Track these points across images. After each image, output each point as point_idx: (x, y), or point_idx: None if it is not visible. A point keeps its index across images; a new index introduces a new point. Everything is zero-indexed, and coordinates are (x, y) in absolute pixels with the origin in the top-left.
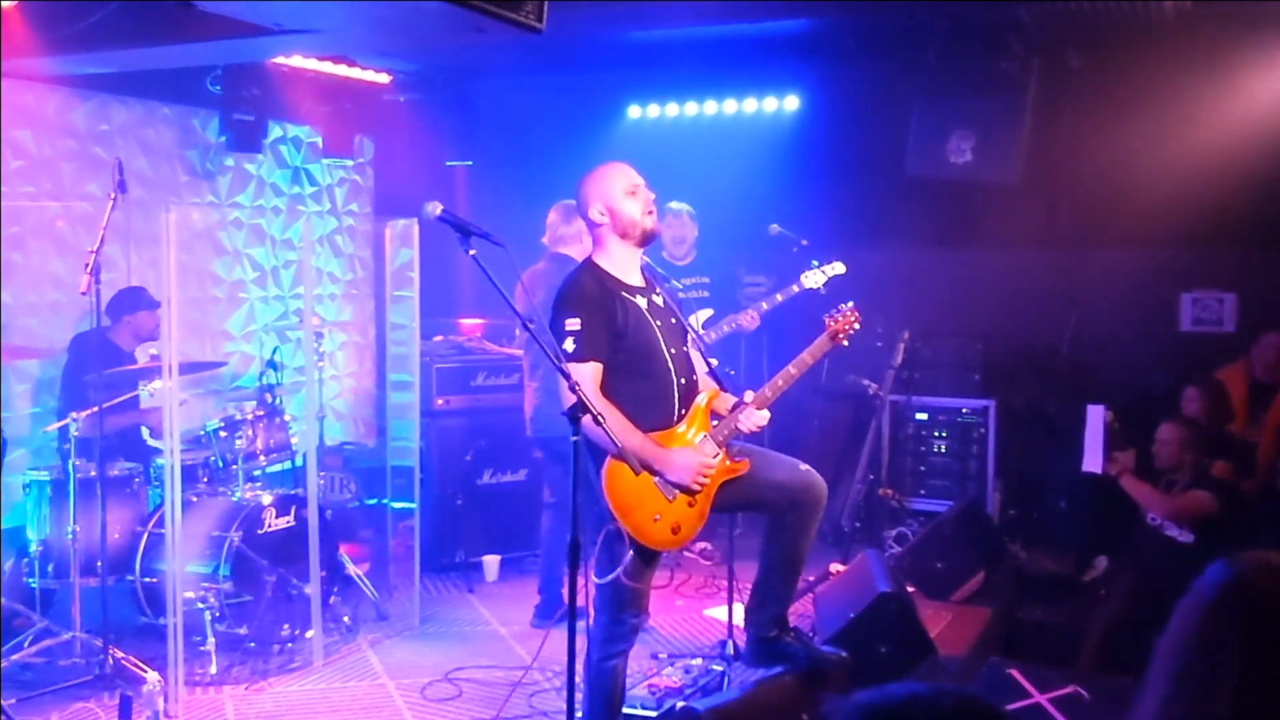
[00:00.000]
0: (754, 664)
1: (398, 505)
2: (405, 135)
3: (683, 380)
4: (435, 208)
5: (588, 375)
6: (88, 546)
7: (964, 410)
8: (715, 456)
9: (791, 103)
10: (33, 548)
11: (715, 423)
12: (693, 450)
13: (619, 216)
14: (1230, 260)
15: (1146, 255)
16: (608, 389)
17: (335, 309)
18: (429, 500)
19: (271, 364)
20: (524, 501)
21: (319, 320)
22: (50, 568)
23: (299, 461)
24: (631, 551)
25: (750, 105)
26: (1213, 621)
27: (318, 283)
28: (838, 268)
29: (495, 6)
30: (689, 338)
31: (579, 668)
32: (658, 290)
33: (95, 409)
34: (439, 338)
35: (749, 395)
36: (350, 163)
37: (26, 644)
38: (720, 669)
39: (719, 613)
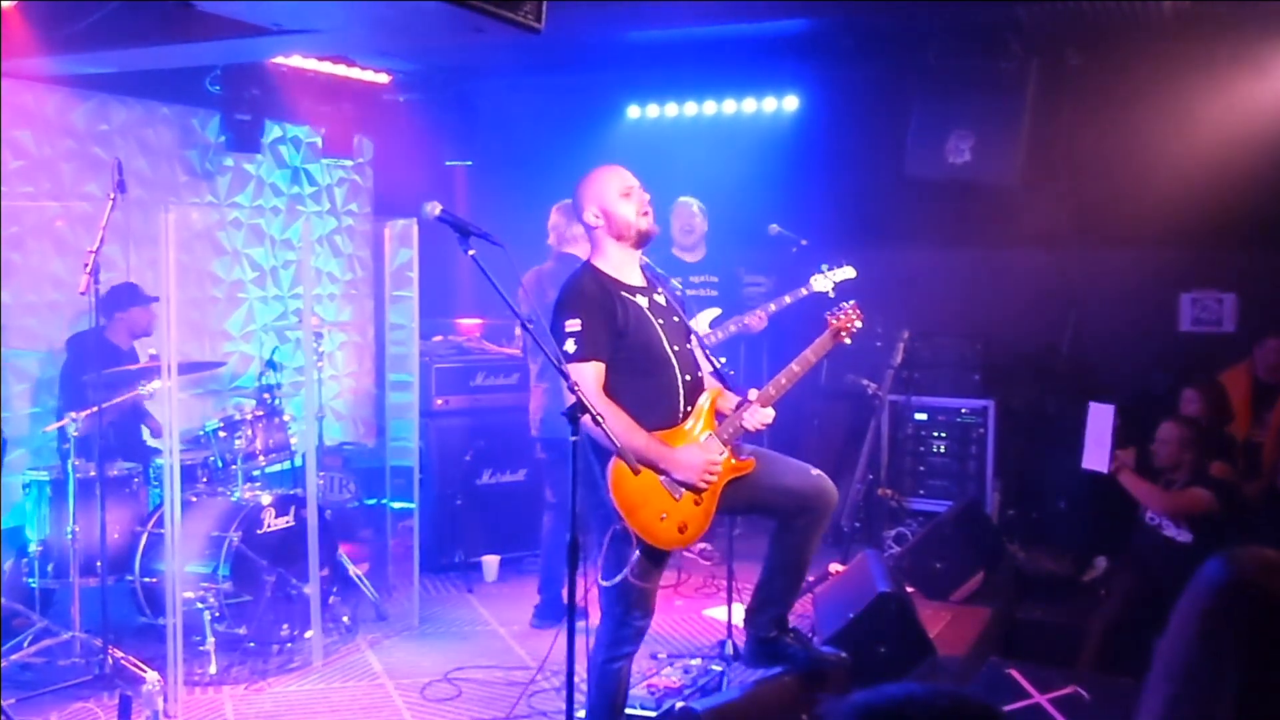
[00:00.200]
0: (753, 664)
1: (397, 505)
2: (405, 135)
3: (687, 377)
4: (434, 208)
5: (590, 375)
6: (87, 546)
7: (963, 410)
8: (721, 455)
9: (791, 103)
10: (32, 548)
11: (720, 421)
12: (698, 448)
13: (614, 219)
14: (1230, 260)
15: (1146, 255)
16: (611, 389)
17: (334, 309)
18: (428, 500)
19: (271, 364)
20: (523, 501)
21: (318, 320)
22: (50, 568)
23: (298, 461)
24: (638, 552)
25: (750, 105)
26: (1213, 621)
27: (317, 283)
28: (847, 272)
29: (494, 6)
30: (693, 336)
31: (579, 668)
32: (659, 290)
33: (94, 409)
34: (438, 338)
35: (753, 393)
36: (349, 163)
37: (26, 644)
38: (719, 669)
39: (718, 613)
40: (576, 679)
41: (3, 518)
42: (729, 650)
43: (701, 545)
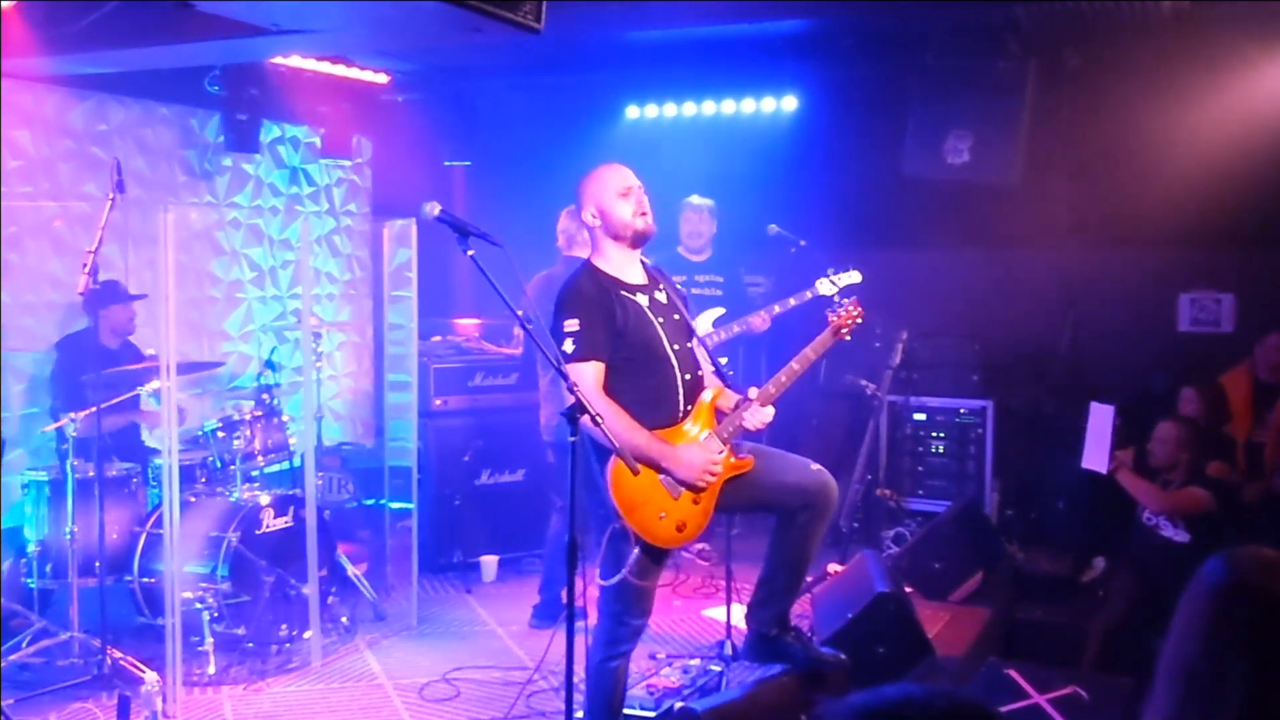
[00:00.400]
0: (752, 659)
1: (395, 505)
2: (403, 135)
3: (687, 376)
4: (434, 208)
5: (589, 375)
6: (86, 547)
7: (962, 410)
8: (720, 453)
9: (790, 103)
10: (31, 548)
11: (719, 420)
12: (698, 447)
13: (610, 218)
14: (1228, 261)
15: (1144, 255)
16: (611, 388)
17: (333, 309)
18: (427, 500)
19: (269, 364)
20: (522, 502)
21: (317, 320)
22: (48, 568)
23: (297, 462)
24: (638, 550)
25: (748, 105)
26: (1215, 623)
27: (316, 283)
28: (853, 276)
29: (493, 6)
30: (694, 334)
31: (578, 669)
32: (660, 287)
33: (93, 409)
34: (437, 338)
35: (753, 391)
36: (348, 163)
37: (25, 644)
38: (718, 669)
39: (717, 613)
40: (575, 679)
41: (1, 518)
42: (728, 650)
43: (700, 545)
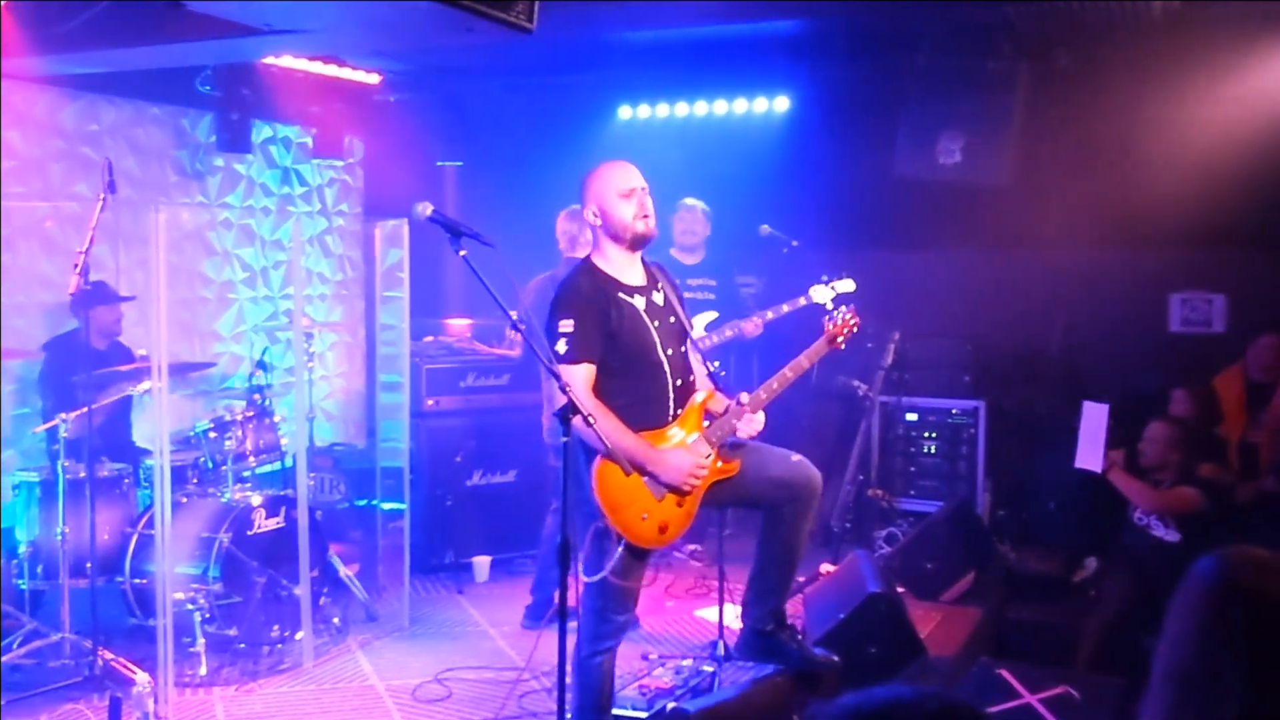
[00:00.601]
0: (746, 656)
1: (387, 506)
2: (395, 135)
3: (679, 381)
4: (426, 208)
5: (580, 377)
6: (77, 548)
7: (954, 411)
8: (708, 457)
9: (782, 103)
10: (22, 549)
11: (709, 423)
12: (685, 451)
13: (610, 219)
14: (1219, 261)
15: (1135, 256)
16: (602, 389)
17: (325, 309)
18: (419, 501)
19: (261, 365)
20: (514, 502)
21: (309, 321)
22: (39, 569)
23: (289, 462)
24: (621, 549)
25: (741, 106)
26: (1210, 625)
27: (307, 283)
28: (847, 284)
29: (485, 6)
30: (688, 338)
31: (570, 668)
32: (659, 287)
33: (84, 409)
34: (429, 338)
35: (744, 397)
36: (340, 163)
37: (16, 645)
38: (711, 670)
39: (710, 613)
40: (567, 679)
41: None
42: (720, 651)
43: (692, 546)
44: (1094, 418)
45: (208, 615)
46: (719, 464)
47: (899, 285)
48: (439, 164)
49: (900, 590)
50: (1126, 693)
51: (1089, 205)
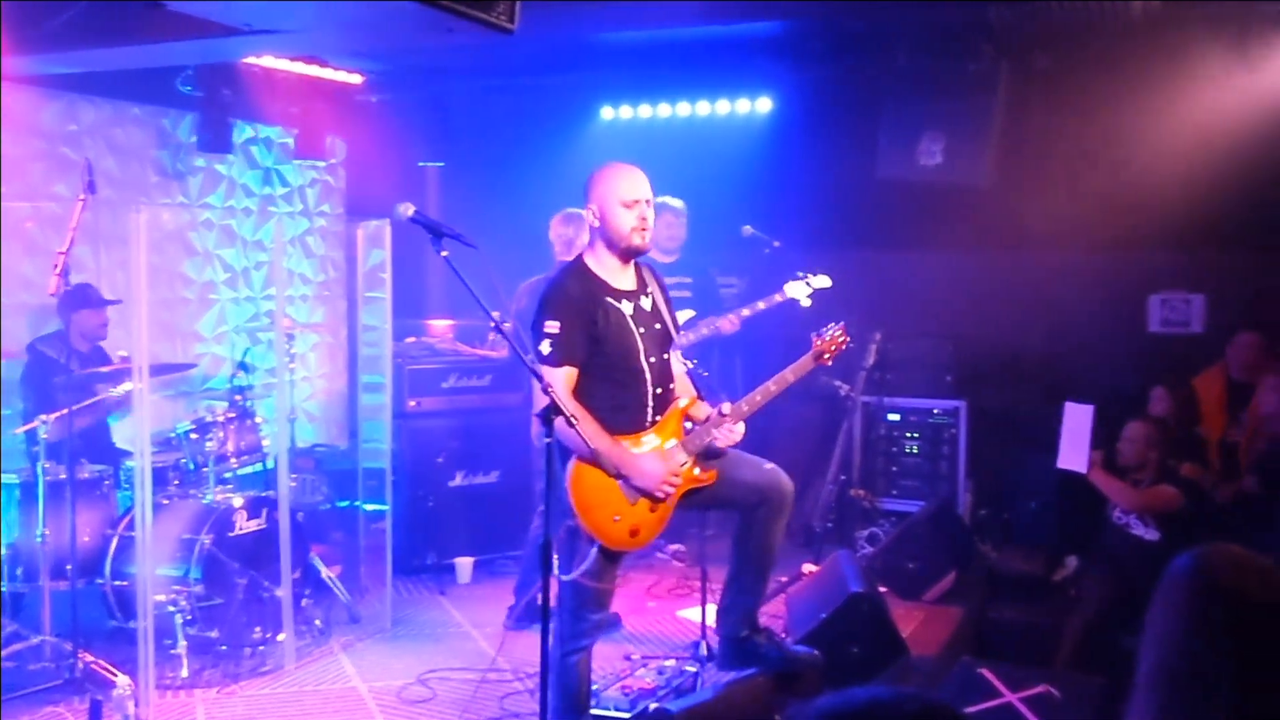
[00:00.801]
0: (726, 666)
1: (369, 507)
2: (377, 136)
3: (659, 390)
4: (407, 209)
5: (560, 380)
6: (57, 550)
7: (935, 411)
8: (683, 465)
9: (764, 104)
10: (1, 551)
11: (690, 428)
12: (660, 457)
13: (608, 225)
14: (1198, 262)
15: (1115, 257)
16: (581, 392)
17: (307, 310)
18: (401, 502)
19: (243, 366)
20: (496, 503)
21: (290, 322)
22: (19, 571)
23: (270, 464)
24: (594, 550)
25: (723, 107)
26: (1192, 626)
27: (289, 284)
28: (823, 280)
29: (466, 7)
30: (672, 345)
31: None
32: (648, 292)
33: (64, 411)
34: (411, 339)
35: (727, 407)
36: (322, 163)
37: None
38: (693, 670)
39: (692, 614)
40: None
41: None
42: (703, 651)
43: (674, 547)
44: (1077, 418)
45: (189, 617)
46: (696, 471)
47: (880, 285)
48: (421, 165)
49: (882, 590)
50: (1106, 691)
51: (1069, 206)
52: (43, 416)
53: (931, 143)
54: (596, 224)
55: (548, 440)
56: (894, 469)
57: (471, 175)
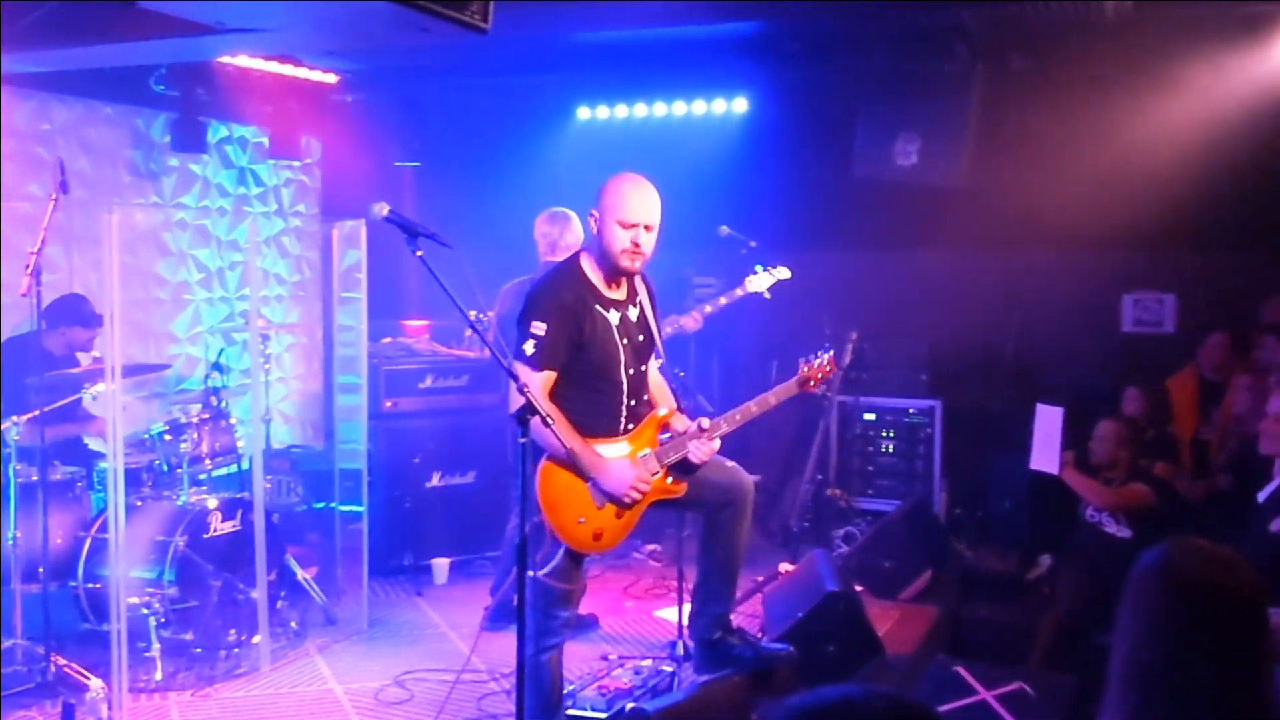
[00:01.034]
0: (702, 670)
1: (345, 508)
2: (352, 136)
3: (633, 401)
4: (382, 208)
5: (538, 383)
6: (29, 552)
7: (911, 411)
8: (654, 475)
9: (740, 105)
10: None
11: (666, 438)
12: (631, 465)
13: (602, 237)
14: (1170, 262)
15: (1089, 257)
16: (555, 395)
17: (282, 311)
18: (377, 503)
19: (217, 366)
20: (473, 504)
21: (265, 322)
22: None
23: (245, 465)
24: (560, 551)
25: (699, 107)
26: (1163, 621)
27: (264, 284)
28: (783, 273)
29: (440, 6)
30: (653, 355)
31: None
32: (636, 301)
33: (36, 413)
34: (387, 339)
35: (705, 422)
36: (297, 163)
37: None
38: (670, 670)
39: (669, 614)
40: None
41: None
42: (680, 651)
43: (651, 547)
44: (1048, 420)
45: (163, 619)
46: (668, 481)
47: (856, 285)
48: (397, 164)
49: (858, 589)
50: (1078, 689)
51: (1043, 206)
52: (14, 418)
53: (907, 143)
54: (594, 231)
55: (523, 441)
56: (870, 468)
57: (448, 175)
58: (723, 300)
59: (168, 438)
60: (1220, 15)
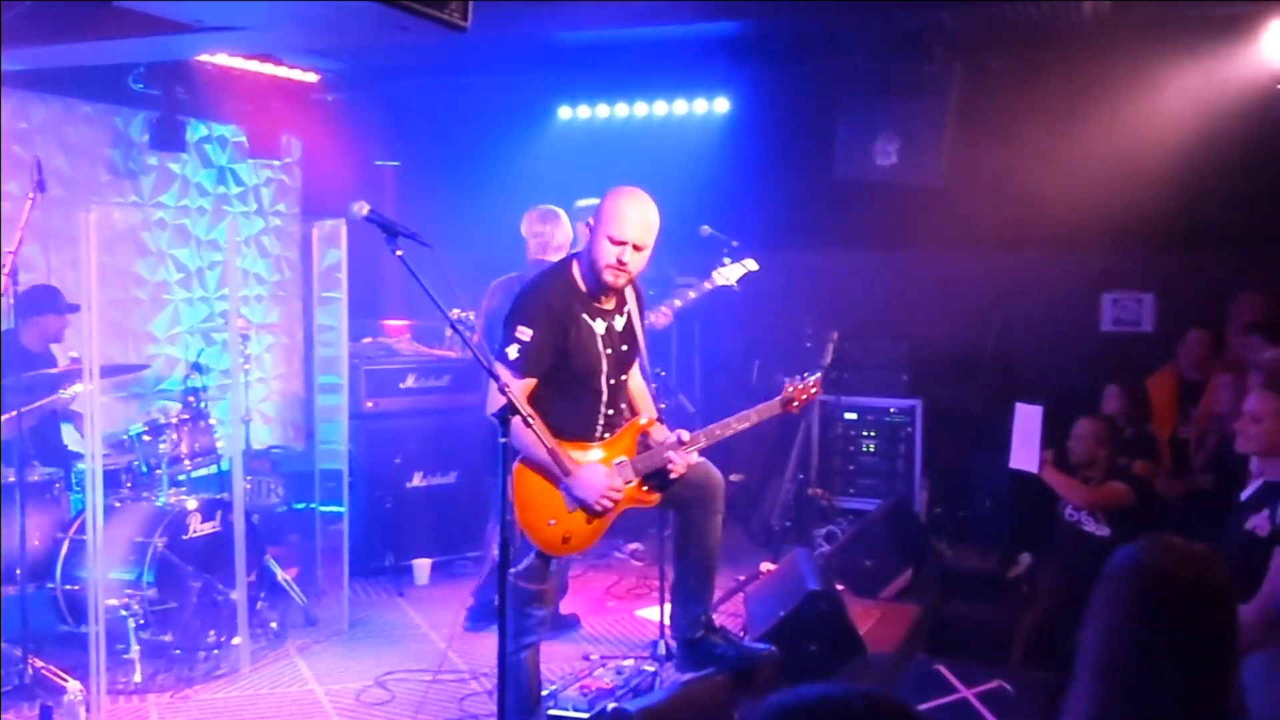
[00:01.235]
0: (685, 668)
1: (326, 509)
2: (333, 135)
3: (610, 410)
4: (362, 207)
5: (518, 389)
6: (6, 554)
7: (891, 410)
8: (627, 484)
9: (721, 105)
10: None
11: (642, 450)
12: (604, 473)
13: (590, 248)
14: (1148, 261)
15: (1068, 257)
16: (533, 397)
17: (262, 311)
18: (358, 504)
19: (196, 366)
20: (454, 504)
21: (245, 322)
22: None
23: (225, 465)
24: (532, 552)
25: (681, 107)
26: (1134, 614)
27: (244, 284)
28: (749, 265)
29: (419, 4)
30: (636, 361)
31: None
32: (625, 310)
33: (14, 413)
34: (368, 339)
35: (684, 435)
36: (277, 162)
37: None
38: (652, 669)
39: (651, 613)
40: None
41: None
42: (662, 650)
43: (633, 546)
44: (1028, 419)
45: (141, 621)
46: (643, 489)
47: (837, 285)
48: (377, 164)
49: (839, 588)
50: (1057, 686)
51: (1021, 206)
52: None
53: (887, 143)
54: (586, 239)
55: (503, 440)
56: (851, 468)
57: (428, 175)
58: (691, 294)
59: (147, 438)
60: (1197, 16)
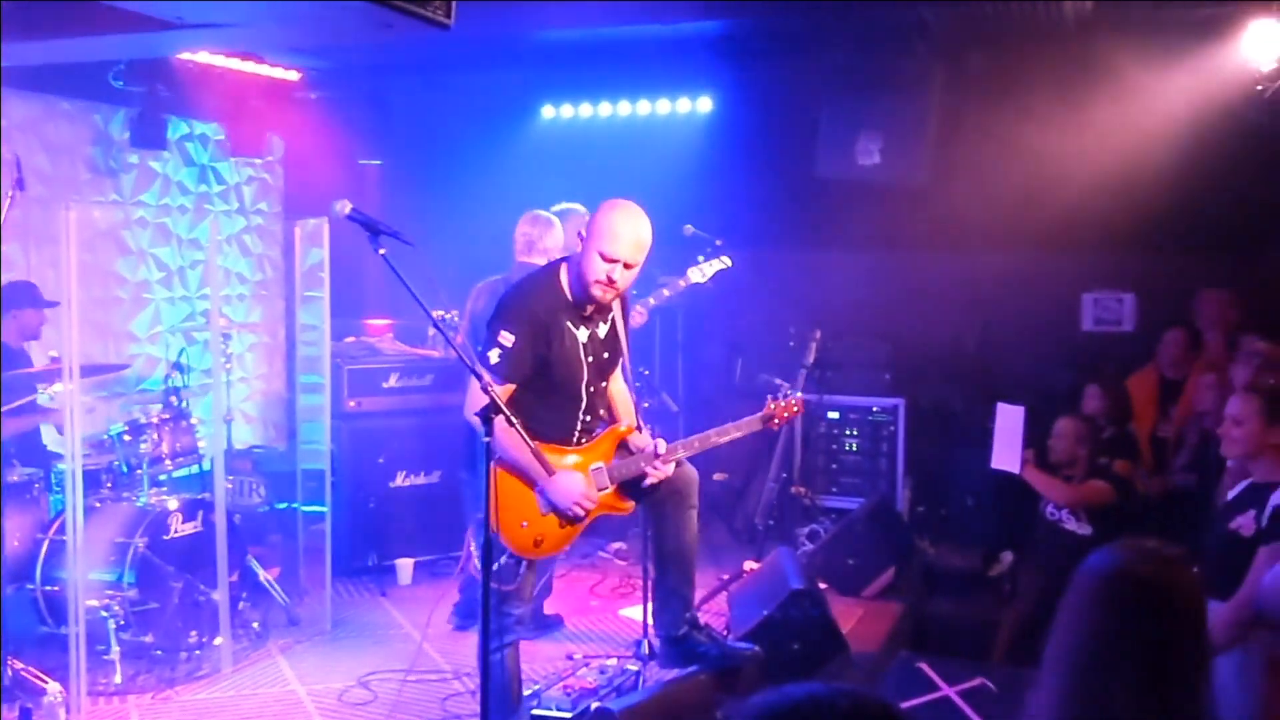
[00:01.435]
0: (668, 665)
1: (308, 509)
2: (316, 133)
3: (588, 417)
4: (344, 206)
5: (498, 394)
6: None
7: (874, 409)
8: (602, 490)
9: (704, 104)
10: None
11: (620, 457)
12: (580, 480)
13: (582, 259)
14: (1129, 261)
15: (1049, 257)
16: (512, 402)
17: (244, 310)
18: (340, 503)
19: (178, 366)
20: (437, 504)
21: (226, 321)
22: None
23: (206, 465)
24: (505, 554)
25: (664, 106)
26: (1104, 615)
27: (225, 283)
28: (723, 262)
29: (403, 2)
30: (617, 367)
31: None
32: (609, 317)
33: None
34: (350, 339)
35: (662, 445)
36: (259, 161)
37: None
38: (635, 669)
39: (634, 613)
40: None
41: None
42: (645, 650)
43: (616, 545)
44: (1009, 419)
45: (122, 622)
46: (618, 496)
47: (820, 284)
48: (360, 162)
49: (822, 586)
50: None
51: (1003, 205)
52: None
53: (869, 142)
54: (577, 249)
55: (487, 440)
56: (834, 466)
57: (412, 173)
58: (666, 293)
59: (127, 438)
60: (1177, 18)
